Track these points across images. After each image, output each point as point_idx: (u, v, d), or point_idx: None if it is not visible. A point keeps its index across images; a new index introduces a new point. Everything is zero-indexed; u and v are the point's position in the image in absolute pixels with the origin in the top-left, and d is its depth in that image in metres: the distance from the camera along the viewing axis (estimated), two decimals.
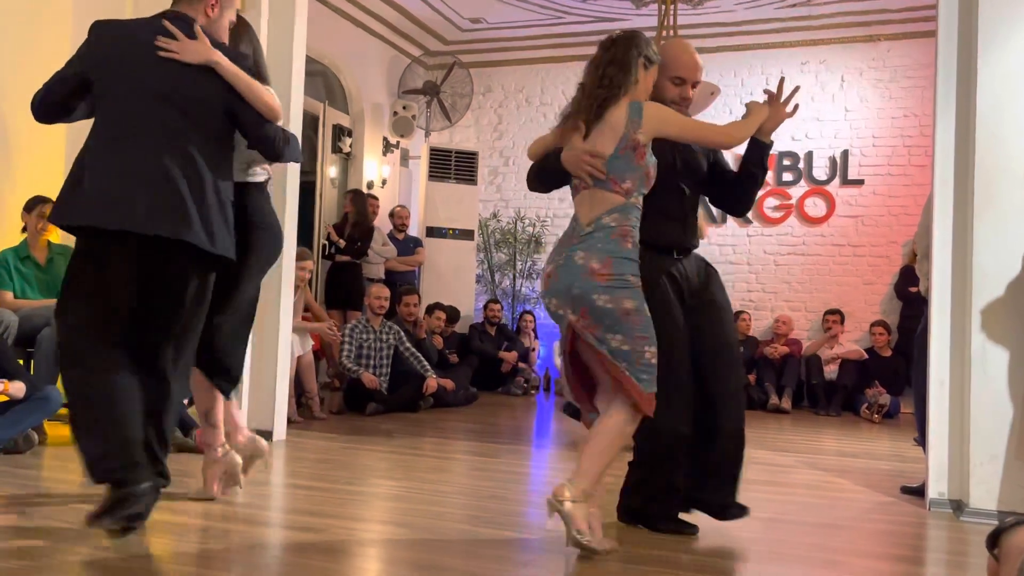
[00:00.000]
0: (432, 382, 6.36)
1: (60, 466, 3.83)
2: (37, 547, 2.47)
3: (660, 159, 2.75)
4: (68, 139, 5.02)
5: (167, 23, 2.75)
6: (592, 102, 2.68)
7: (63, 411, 4.37)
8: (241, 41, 3.10)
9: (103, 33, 2.74)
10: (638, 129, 2.62)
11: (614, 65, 2.69)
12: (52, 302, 4.59)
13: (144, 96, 2.68)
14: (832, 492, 3.91)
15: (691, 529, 2.90)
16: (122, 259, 2.64)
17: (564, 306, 2.61)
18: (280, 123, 2.94)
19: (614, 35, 2.80)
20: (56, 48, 5.16)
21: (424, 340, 6.96)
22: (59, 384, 4.28)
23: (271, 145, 2.91)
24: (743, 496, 2.97)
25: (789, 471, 4.45)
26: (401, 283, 7.66)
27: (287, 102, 4.68)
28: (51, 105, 2.76)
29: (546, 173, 2.85)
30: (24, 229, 4.77)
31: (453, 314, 7.92)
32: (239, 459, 3.19)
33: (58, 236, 4.91)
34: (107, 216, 2.58)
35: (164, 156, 2.64)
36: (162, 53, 2.71)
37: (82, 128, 2.75)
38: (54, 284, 4.78)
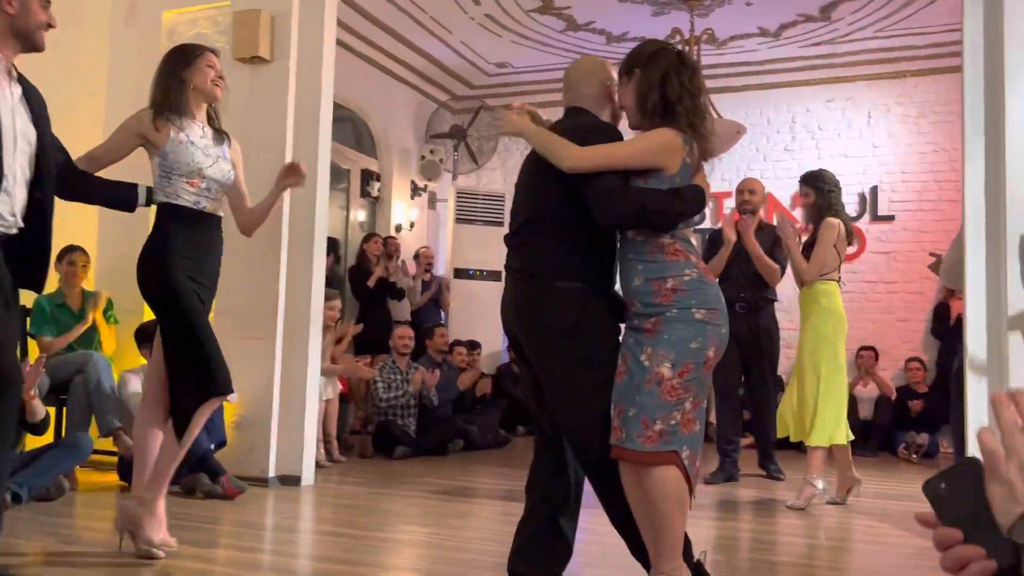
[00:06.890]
0: (417, 376, 6.24)
1: (91, 514, 3.84)
2: None
3: None
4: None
5: None
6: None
7: (94, 457, 4.41)
8: None
9: None
10: None
11: None
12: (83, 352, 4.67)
13: None
14: (873, 537, 3.80)
15: None
16: None
17: None
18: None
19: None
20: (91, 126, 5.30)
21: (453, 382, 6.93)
22: (92, 430, 4.34)
23: None
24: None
25: (825, 516, 4.34)
26: (426, 323, 7.65)
27: (314, 148, 4.74)
28: None
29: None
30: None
31: (473, 344, 7.78)
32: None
33: (91, 284, 5.00)
34: None
35: None
36: None
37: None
38: (88, 333, 4.84)
